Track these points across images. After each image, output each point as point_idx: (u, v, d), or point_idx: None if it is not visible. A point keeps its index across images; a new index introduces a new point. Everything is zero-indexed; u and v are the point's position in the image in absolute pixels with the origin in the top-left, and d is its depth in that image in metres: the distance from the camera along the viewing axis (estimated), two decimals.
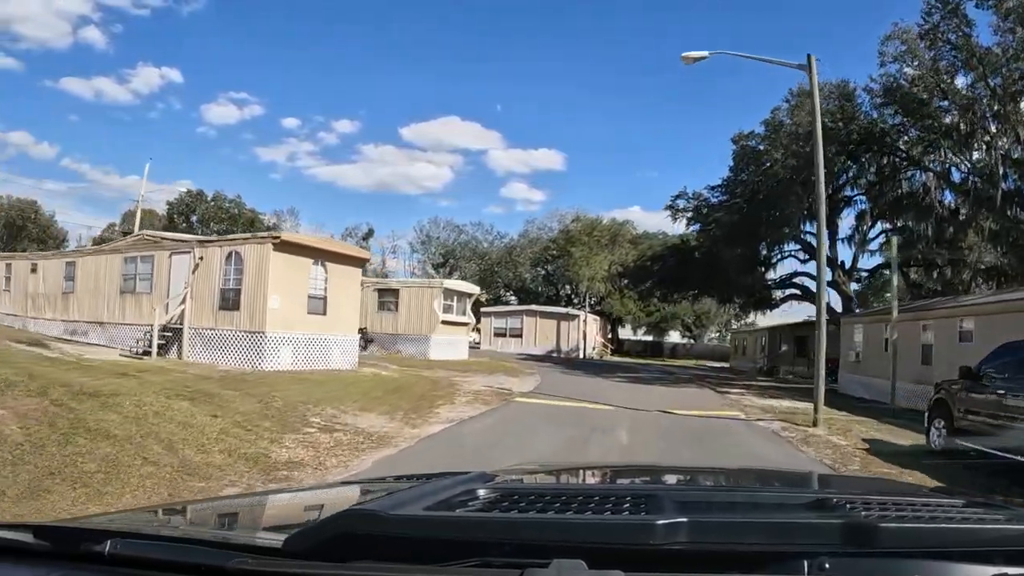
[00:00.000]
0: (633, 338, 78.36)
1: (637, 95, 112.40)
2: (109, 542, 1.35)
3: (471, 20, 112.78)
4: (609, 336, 71.44)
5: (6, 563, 1.41)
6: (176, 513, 2.26)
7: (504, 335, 54.22)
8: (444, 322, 33.80)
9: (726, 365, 62.41)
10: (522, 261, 73.52)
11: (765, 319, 67.30)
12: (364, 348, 33.98)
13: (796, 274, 41.65)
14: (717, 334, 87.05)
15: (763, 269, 41.27)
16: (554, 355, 52.14)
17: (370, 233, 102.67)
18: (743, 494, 2.04)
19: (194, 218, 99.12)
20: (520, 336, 53.85)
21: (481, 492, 1.55)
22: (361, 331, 34.80)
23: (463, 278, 74.63)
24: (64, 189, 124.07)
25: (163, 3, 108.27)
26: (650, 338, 79.76)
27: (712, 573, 1.21)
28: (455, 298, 34.92)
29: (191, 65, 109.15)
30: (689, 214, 41.53)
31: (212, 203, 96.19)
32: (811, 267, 38.86)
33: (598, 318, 62.09)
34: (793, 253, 41.07)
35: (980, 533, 1.38)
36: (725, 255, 37.65)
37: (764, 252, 39.82)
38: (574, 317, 53.26)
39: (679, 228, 43.91)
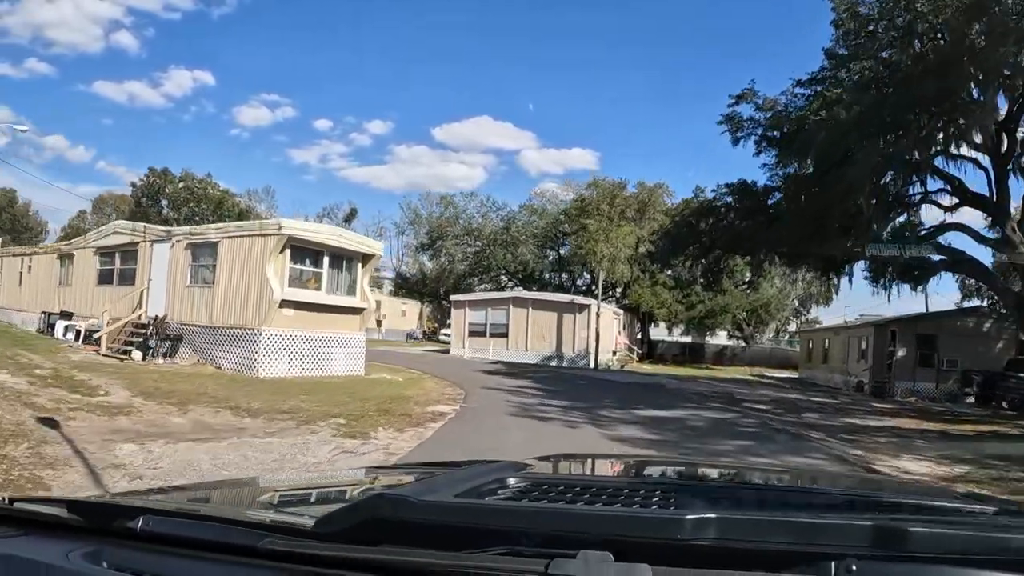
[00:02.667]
0: (668, 339, 61.87)
1: (671, 93, 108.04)
2: (141, 519, 1.36)
3: (503, 20, 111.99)
4: (639, 337, 55.04)
5: (40, 536, 1.42)
6: (207, 492, 2.24)
7: (482, 334, 38.16)
8: (292, 305, 17.73)
9: (794, 376, 45.85)
10: (524, 239, 57.23)
11: (825, 314, 57.02)
12: (154, 354, 18.10)
13: (942, 228, 24.84)
14: (773, 335, 69.40)
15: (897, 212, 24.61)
16: (552, 363, 35.86)
17: (352, 214, 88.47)
18: (773, 492, 1.97)
19: (164, 202, 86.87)
20: (505, 335, 37.78)
21: (511, 481, 1.61)
22: (153, 322, 18.76)
23: (452, 263, 60.44)
24: (100, 191, 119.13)
25: (193, 6, 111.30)
26: (688, 339, 63.09)
27: (739, 570, 1.16)
28: (322, 260, 18.65)
29: (223, 68, 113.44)
30: (760, 131, 25.04)
31: (181, 183, 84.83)
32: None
33: (621, 313, 45.79)
34: (932, 196, 24.54)
35: (1011, 542, 1.27)
36: (826, 192, 21.38)
37: (893, 183, 23.13)
38: (583, 308, 36.89)
39: (742, 159, 27.18)
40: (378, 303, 56.28)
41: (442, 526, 1.25)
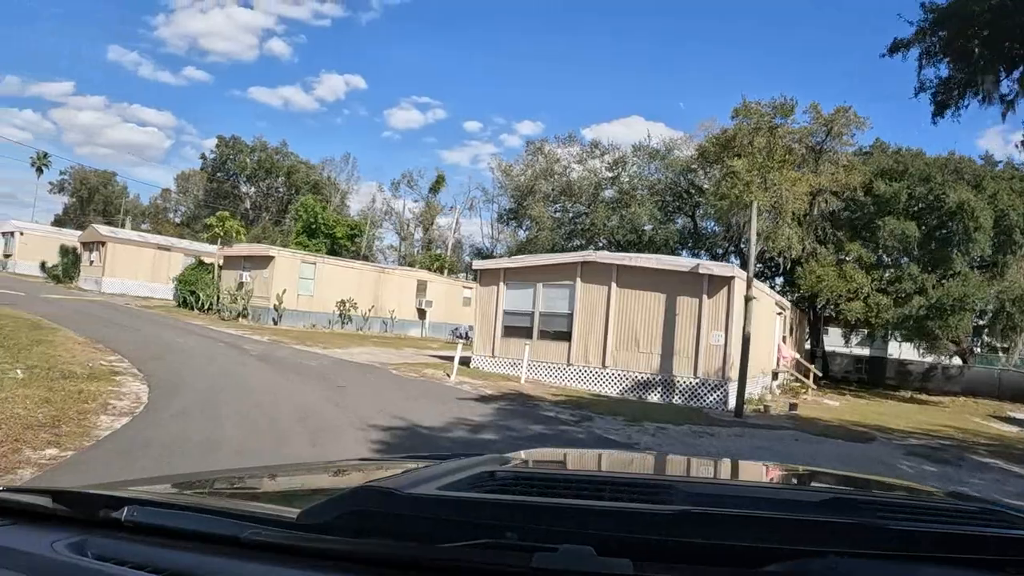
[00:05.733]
0: (842, 350, 42.23)
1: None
2: (126, 509, 1.36)
3: (656, 23, 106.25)
4: (809, 346, 35.78)
5: (26, 526, 1.42)
6: (193, 483, 2.18)
7: (525, 331, 20.58)
8: None
9: None
10: (640, 196, 39.09)
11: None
12: None
13: None
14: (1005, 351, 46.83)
15: None
16: (653, 395, 17.86)
17: (439, 182, 72.92)
18: (756, 489, 1.98)
19: (241, 179, 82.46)
20: (566, 336, 20.04)
21: (496, 474, 1.60)
22: None
23: (539, 231, 41.97)
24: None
25: (343, 13, 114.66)
26: (865, 351, 43.39)
27: (721, 566, 1.18)
28: None
29: (373, 72, 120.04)
30: None
31: (253, 153, 79.89)
32: None
33: (787, 307, 27.05)
34: None
35: (992, 541, 1.32)
36: None
37: None
38: (719, 284, 18.35)
39: None
40: (422, 284, 39.67)
41: (426, 519, 1.25)
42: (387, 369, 18.65)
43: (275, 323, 31.02)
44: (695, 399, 18.28)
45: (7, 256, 52.98)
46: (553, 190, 41.81)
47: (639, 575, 1.09)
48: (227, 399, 11.21)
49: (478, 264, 22.54)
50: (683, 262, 20.23)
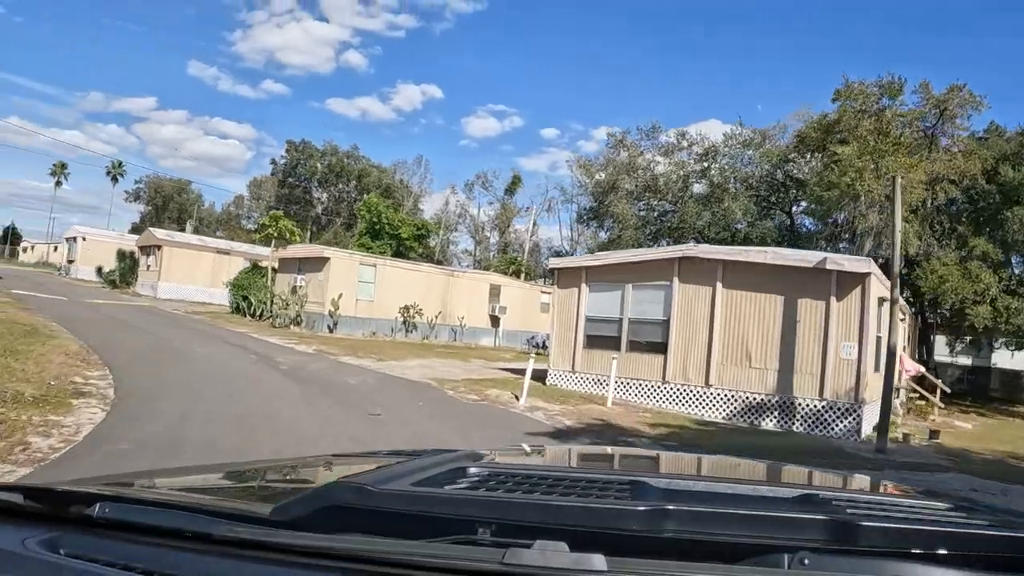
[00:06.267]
0: (945, 359, 37.66)
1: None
2: (98, 505, 1.35)
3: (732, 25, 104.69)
4: (919, 357, 31.86)
5: None
6: (166, 479, 2.19)
7: (611, 342, 17.55)
8: None
9: None
10: (732, 190, 35.83)
11: None
12: None
13: None
14: None
15: None
16: (768, 421, 14.67)
17: (515, 182, 70.13)
18: (729, 486, 1.87)
19: (312, 183, 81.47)
20: (662, 348, 16.99)
21: (469, 471, 1.61)
22: None
23: (622, 230, 38.43)
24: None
25: (416, 24, 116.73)
26: (967, 360, 38.79)
27: (692, 561, 1.16)
28: None
29: (449, 81, 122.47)
30: None
31: (323, 157, 78.88)
32: None
33: (906, 314, 23.40)
34: None
35: (961, 537, 1.31)
36: None
37: None
38: (851, 283, 15.01)
39: None
40: (495, 288, 36.87)
41: (400, 515, 1.26)
42: (443, 389, 15.80)
43: (330, 331, 28.59)
44: (820, 426, 15.01)
45: (70, 262, 52.56)
46: (636, 187, 38.60)
47: (613, 570, 1.07)
48: (199, 434, 8.48)
49: (555, 263, 19.37)
50: (806, 255, 16.71)
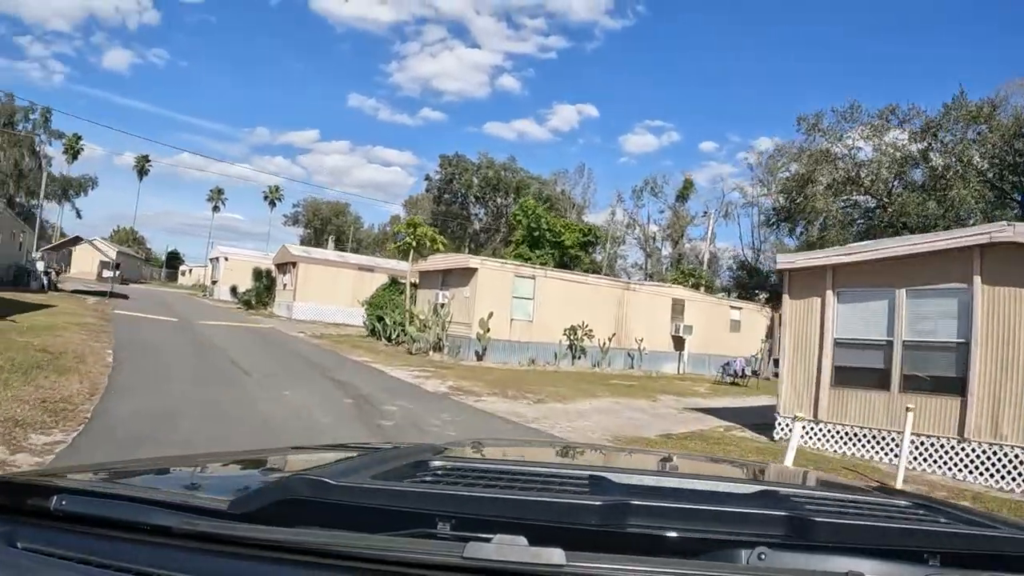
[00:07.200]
0: None
1: None
2: (55, 498, 1.33)
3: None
4: None
5: None
6: (126, 471, 2.07)
7: (879, 381, 11.80)
8: None
9: None
10: (960, 167, 28.89)
11: None
12: None
13: None
14: None
15: None
16: None
17: (687, 187, 64.15)
18: (688, 481, 1.88)
19: (469, 198, 77.75)
20: (960, 391, 11.04)
21: (430, 464, 1.61)
22: None
23: (823, 231, 31.46)
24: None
25: (567, 44, 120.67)
26: None
27: (652, 556, 1.16)
28: None
29: (604, 99, 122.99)
30: None
31: (479, 170, 75.63)
32: None
33: None
34: None
35: (915, 533, 1.35)
36: None
37: None
38: None
39: None
40: (677, 304, 31.08)
41: (359, 508, 1.26)
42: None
43: (478, 357, 23.79)
44: None
45: (214, 282, 51.57)
46: (835, 180, 32.06)
47: (572, 564, 1.05)
48: None
49: (784, 261, 13.31)
50: None
